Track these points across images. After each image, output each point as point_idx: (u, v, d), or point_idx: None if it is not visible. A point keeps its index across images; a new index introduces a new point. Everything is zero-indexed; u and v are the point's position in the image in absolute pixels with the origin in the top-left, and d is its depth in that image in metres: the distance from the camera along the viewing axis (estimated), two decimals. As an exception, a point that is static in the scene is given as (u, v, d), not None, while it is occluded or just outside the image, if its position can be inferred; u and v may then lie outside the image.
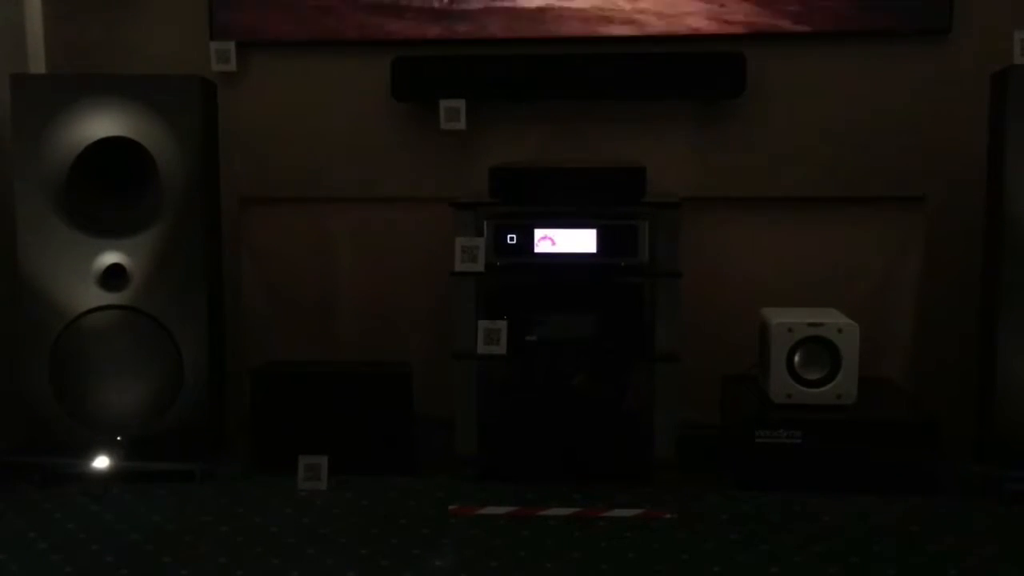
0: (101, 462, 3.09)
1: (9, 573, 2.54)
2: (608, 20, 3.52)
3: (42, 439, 3.19)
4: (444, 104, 3.46)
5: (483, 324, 3.05)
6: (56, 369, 3.16)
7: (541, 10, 3.53)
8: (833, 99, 3.52)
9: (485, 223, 3.09)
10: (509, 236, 3.09)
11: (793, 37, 3.50)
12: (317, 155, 3.66)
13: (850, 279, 3.57)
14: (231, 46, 3.57)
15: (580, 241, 3.08)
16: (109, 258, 3.15)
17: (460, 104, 3.45)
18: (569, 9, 3.53)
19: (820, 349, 3.12)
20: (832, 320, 3.14)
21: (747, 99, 3.49)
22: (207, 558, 2.61)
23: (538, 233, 3.09)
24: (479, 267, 3.06)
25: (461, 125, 3.47)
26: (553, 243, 3.09)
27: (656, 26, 3.51)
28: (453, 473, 3.15)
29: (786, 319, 3.14)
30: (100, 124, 3.12)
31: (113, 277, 3.15)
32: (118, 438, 3.14)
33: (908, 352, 3.58)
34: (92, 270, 3.15)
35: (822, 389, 3.12)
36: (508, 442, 3.17)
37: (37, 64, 3.61)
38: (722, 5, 3.48)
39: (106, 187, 3.17)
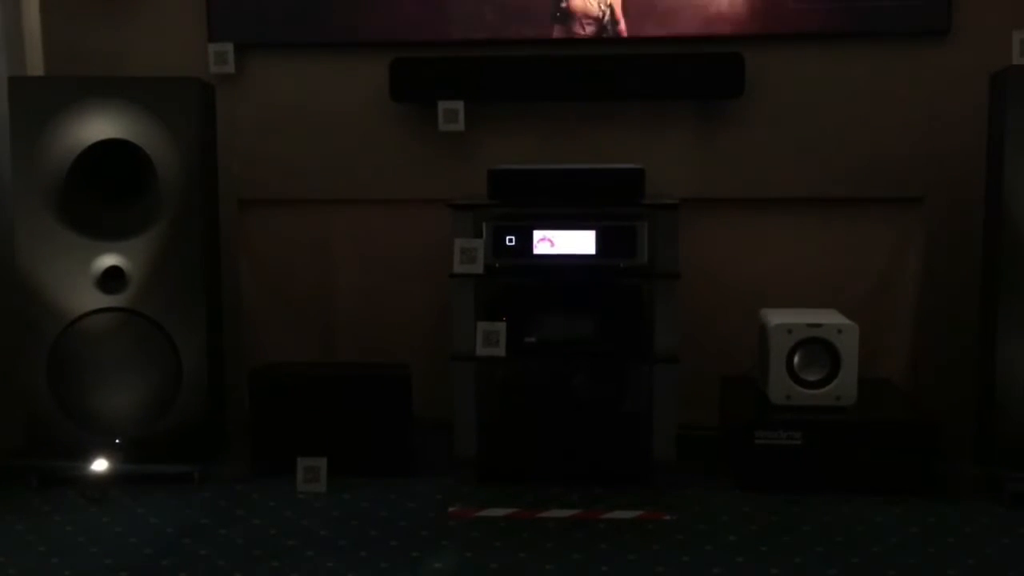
0: (100, 465, 3.08)
1: (8, 576, 2.54)
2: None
3: (41, 442, 3.19)
4: (443, 105, 3.45)
5: (482, 326, 3.05)
6: (54, 372, 3.16)
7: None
8: (832, 100, 3.52)
9: (484, 224, 3.09)
10: (508, 237, 3.09)
11: (792, 38, 3.50)
12: (315, 157, 3.66)
13: (849, 280, 3.57)
14: (229, 48, 3.56)
15: (579, 242, 3.08)
16: (107, 260, 3.15)
17: (458, 105, 3.45)
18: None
19: (819, 350, 3.12)
20: (831, 321, 3.14)
21: (746, 100, 3.49)
22: (206, 561, 2.61)
23: (537, 234, 3.09)
24: (478, 268, 3.05)
25: (460, 126, 3.46)
26: (552, 244, 3.09)
27: (655, 27, 3.52)
28: (452, 475, 3.15)
29: (785, 320, 3.14)
30: (98, 127, 3.12)
31: (111, 279, 3.15)
32: (117, 440, 3.14)
33: (908, 353, 3.57)
34: (90, 272, 3.14)
35: (822, 390, 3.11)
36: (507, 444, 3.17)
37: (35, 67, 3.61)
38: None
39: (104, 190, 3.17)
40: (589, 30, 3.46)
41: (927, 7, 3.43)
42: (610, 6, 3.49)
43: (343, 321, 3.75)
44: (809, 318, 3.15)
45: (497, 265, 3.09)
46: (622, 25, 3.48)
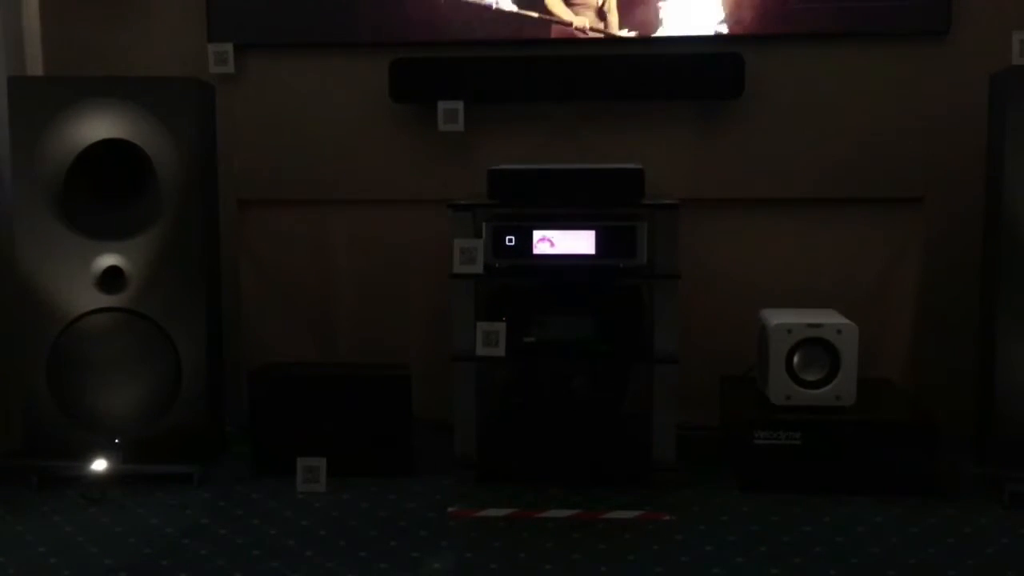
0: (99, 465, 3.08)
1: (7, 576, 2.54)
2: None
3: (40, 442, 3.19)
4: (442, 106, 3.46)
5: (482, 326, 3.05)
6: (54, 372, 3.16)
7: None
8: (832, 100, 3.52)
9: (484, 225, 3.09)
10: (508, 238, 3.09)
11: (792, 38, 3.50)
12: (315, 157, 3.66)
13: (849, 280, 3.57)
14: (229, 48, 3.56)
15: (579, 243, 3.08)
16: (107, 260, 3.15)
17: (458, 106, 3.45)
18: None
19: (819, 350, 3.11)
20: (831, 321, 3.14)
21: (746, 100, 3.49)
22: (206, 561, 2.61)
23: (537, 235, 3.09)
24: (478, 269, 3.05)
25: (459, 127, 3.46)
26: (552, 245, 3.09)
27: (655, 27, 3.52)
28: (452, 475, 3.15)
29: (785, 320, 3.14)
30: (98, 126, 3.12)
31: (111, 279, 3.15)
32: (116, 441, 3.14)
33: (907, 353, 3.57)
34: (90, 272, 3.14)
35: (821, 390, 3.11)
36: (507, 444, 3.17)
37: (35, 67, 3.61)
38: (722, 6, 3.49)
39: (104, 189, 3.17)
40: (585, 15, 3.46)
41: (927, 7, 3.43)
42: None
43: (343, 321, 3.75)
44: (809, 318, 3.15)
45: (497, 265, 3.09)
46: (614, 16, 3.48)
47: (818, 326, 3.12)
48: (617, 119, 3.58)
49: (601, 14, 3.49)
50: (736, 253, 3.60)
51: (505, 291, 3.16)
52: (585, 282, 3.16)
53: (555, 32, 3.54)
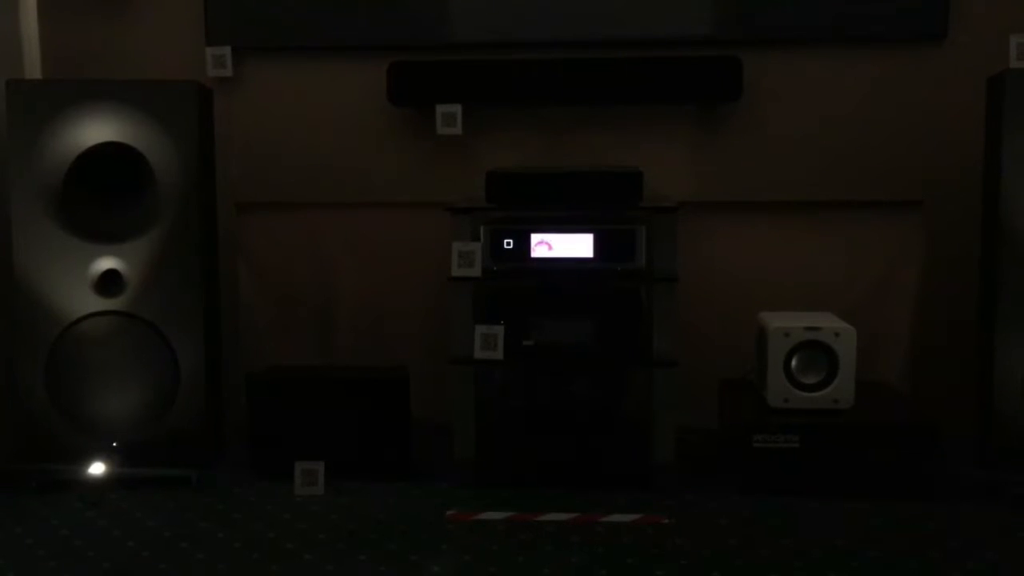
0: (97, 468, 3.08)
1: (5, 580, 2.54)
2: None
3: (38, 445, 3.19)
4: (441, 109, 3.46)
5: (480, 329, 3.04)
6: (52, 375, 3.15)
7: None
8: (830, 103, 3.52)
9: (482, 228, 3.09)
10: (506, 241, 3.09)
11: (790, 41, 3.51)
12: (314, 160, 3.66)
13: (848, 283, 3.57)
14: (227, 51, 3.57)
15: (577, 246, 3.08)
16: (105, 264, 3.15)
17: (456, 109, 3.45)
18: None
19: (817, 353, 3.11)
20: (829, 324, 3.14)
21: (744, 103, 3.49)
22: (204, 565, 2.60)
23: (535, 238, 3.09)
24: (476, 272, 3.05)
25: (458, 130, 3.47)
26: (550, 248, 3.09)
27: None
28: (451, 478, 3.14)
29: (783, 323, 3.14)
30: (96, 130, 3.11)
31: (109, 283, 3.14)
32: (114, 444, 3.13)
33: (906, 356, 3.58)
34: (88, 276, 3.14)
35: (819, 393, 3.11)
36: (506, 447, 3.17)
37: (33, 70, 3.61)
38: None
39: (102, 193, 3.16)
40: None
41: (925, 11, 3.43)
42: None
43: (341, 324, 3.75)
44: (807, 321, 3.15)
45: (495, 268, 3.09)
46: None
47: (816, 329, 3.12)
48: (616, 122, 3.58)
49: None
50: (735, 256, 3.60)
51: (503, 294, 3.16)
52: (583, 285, 3.16)
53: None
